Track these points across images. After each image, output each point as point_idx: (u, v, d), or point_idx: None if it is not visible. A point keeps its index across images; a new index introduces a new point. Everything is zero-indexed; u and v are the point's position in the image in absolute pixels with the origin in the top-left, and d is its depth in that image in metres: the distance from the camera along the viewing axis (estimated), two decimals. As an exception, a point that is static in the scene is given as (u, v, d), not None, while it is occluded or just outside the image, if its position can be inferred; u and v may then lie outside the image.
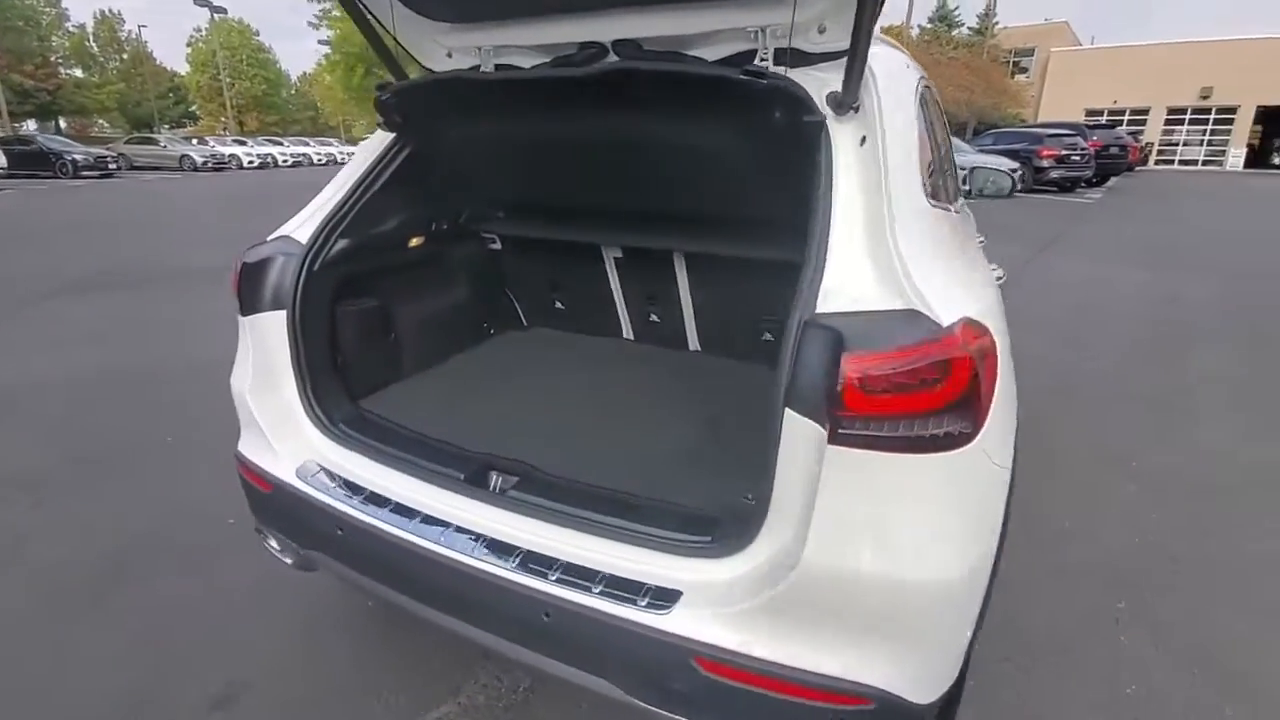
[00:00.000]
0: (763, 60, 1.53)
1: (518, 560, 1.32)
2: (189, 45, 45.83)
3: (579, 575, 1.28)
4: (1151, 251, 8.87)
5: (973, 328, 1.08)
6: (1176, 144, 32.89)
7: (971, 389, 1.04)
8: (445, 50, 1.89)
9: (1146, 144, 30.83)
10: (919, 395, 1.02)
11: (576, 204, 2.40)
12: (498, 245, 2.72)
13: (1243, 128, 31.06)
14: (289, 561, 1.69)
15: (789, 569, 1.11)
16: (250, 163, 27.40)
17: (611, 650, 1.24)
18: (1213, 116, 31.60)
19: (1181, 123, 32.47)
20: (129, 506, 2.62)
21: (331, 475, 1.57)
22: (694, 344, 2.75)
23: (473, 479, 1.51)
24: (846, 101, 1.33)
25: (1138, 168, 26.44)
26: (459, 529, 1.40)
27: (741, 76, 1.41)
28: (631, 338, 2.86)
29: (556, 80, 1.67)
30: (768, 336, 2.55)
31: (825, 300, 1.13)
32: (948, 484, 1.08)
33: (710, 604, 1.19)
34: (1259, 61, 28.64)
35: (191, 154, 25.16)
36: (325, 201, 1.87)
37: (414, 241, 2.28)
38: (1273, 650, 1.97)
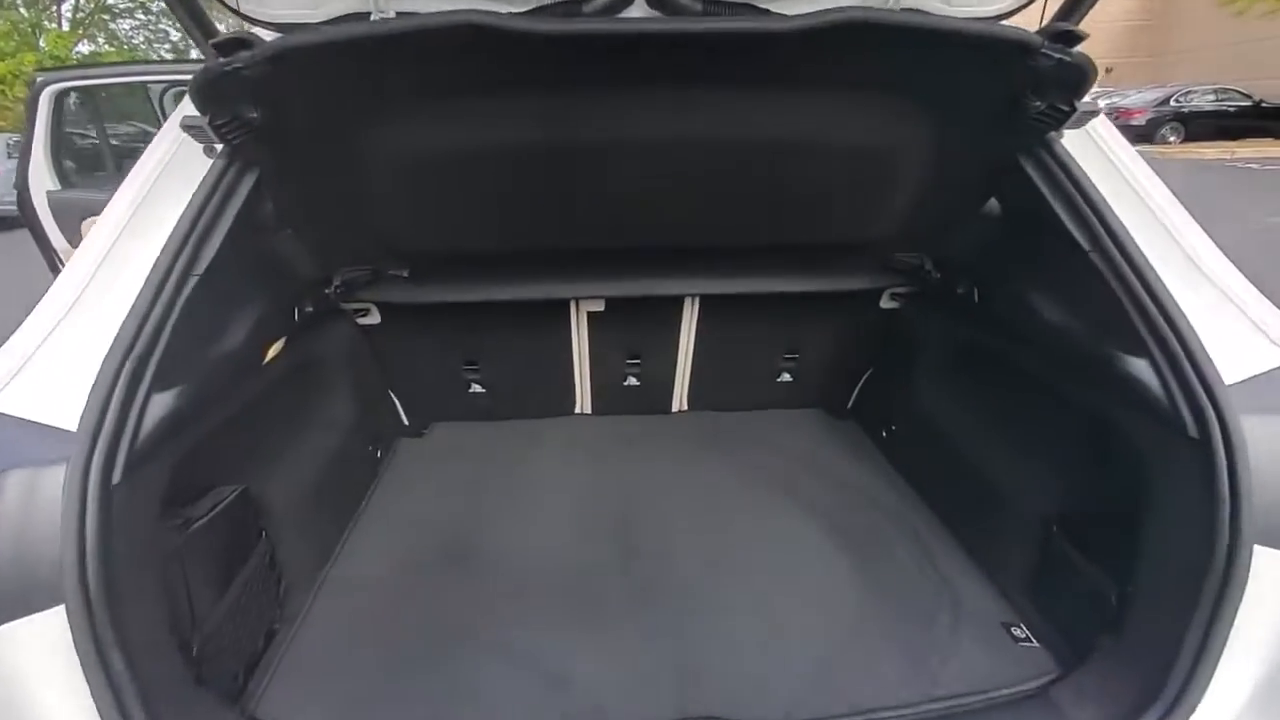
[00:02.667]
0: None
1: None
2: None
3: None
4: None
5: None
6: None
7: None
8: None
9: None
10: None
11: (545, 243, 1.68)
12: (374, 319, 1.92)
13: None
14: None
15: None
16: None
17: None
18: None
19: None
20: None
21: None
22: (680, 403, 2.29)
23: None
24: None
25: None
26: None
27: (1047, 45, 1.05)
28: (588, 411, 2.26)
29: (630, 39, 1.06)
30: (785, 378, 2.24)
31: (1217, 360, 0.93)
32: None
33: None
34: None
35: None
36: (74, 299, 0.99)
37: (271, 352, 1.42)
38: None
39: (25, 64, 17.28)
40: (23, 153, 2.90)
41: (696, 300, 1.99)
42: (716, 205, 1.53)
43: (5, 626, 0.79)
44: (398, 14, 1.26)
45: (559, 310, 1.99)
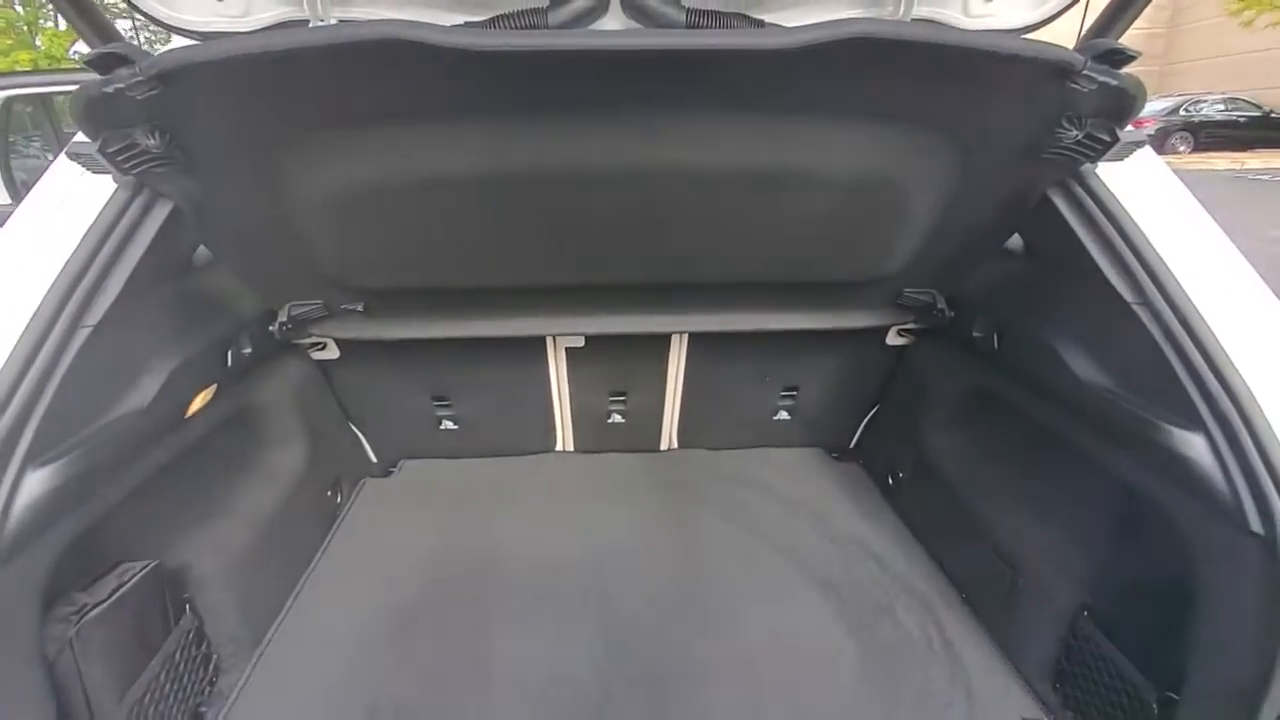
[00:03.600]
0: None
1: None
2: None
3: None
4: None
5: None
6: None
7: None
8: None
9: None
10: None
11: (512, 281, 1.52)
12: (332, 353, 1.76)
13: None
14: None
15: None
16: None
17: None
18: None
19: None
20: None
21: None
22: (669, 441, 2.15)
23: None
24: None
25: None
26: None
27: (1090, 66, 0.91)
28: (570, 448, 2.12)
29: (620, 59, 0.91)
30: (782, 415, 2.09)
31: None
32: None
33: None
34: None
35: None
36: None
37: (198, 403, 1.25)
38: None
39: (20, 62, 16.85)
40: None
41: (685, 335, 1.84)
42: (704, 241, 1.37)
43: None
44: (340, 22, 1.12)
45: (535, 345, 1.84)
